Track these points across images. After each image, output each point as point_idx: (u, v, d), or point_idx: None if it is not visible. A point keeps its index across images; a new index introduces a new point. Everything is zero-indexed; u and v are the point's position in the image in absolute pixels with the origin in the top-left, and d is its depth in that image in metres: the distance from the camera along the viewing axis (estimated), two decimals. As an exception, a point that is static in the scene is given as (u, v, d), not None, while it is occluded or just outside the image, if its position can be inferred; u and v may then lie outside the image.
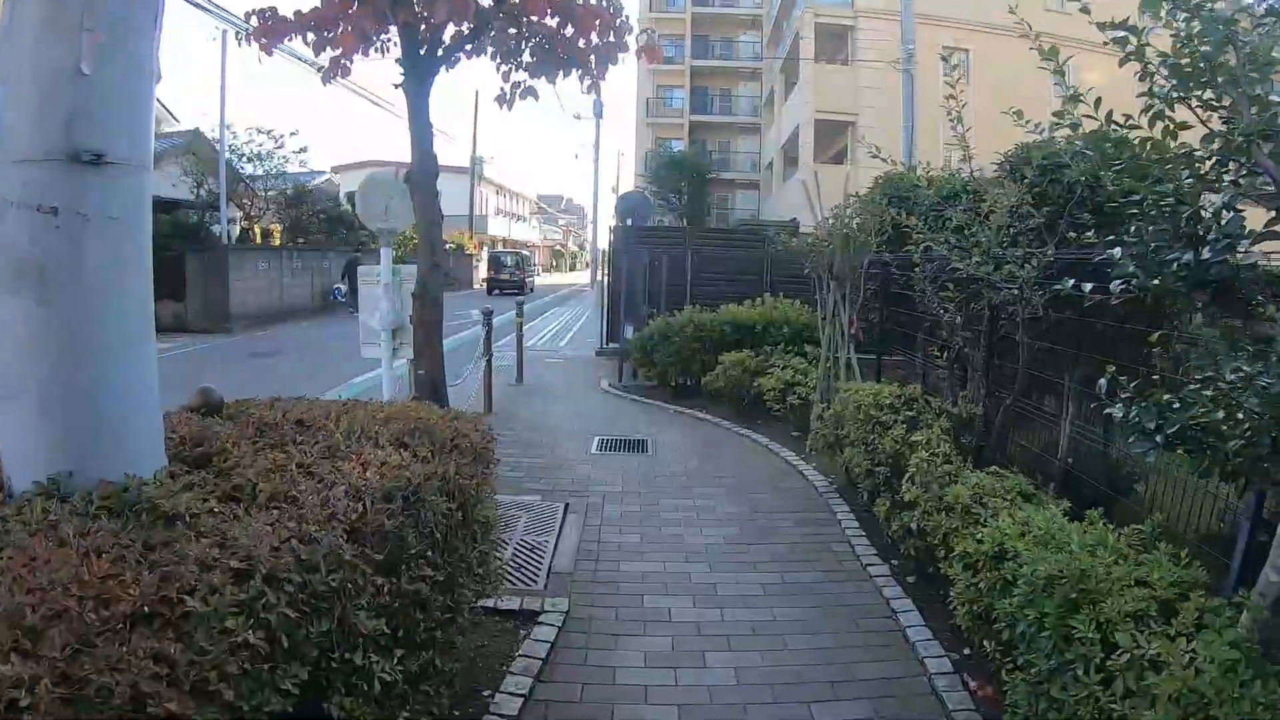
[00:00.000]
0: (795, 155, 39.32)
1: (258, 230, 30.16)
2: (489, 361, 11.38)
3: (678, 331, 11.90)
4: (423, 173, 7.81)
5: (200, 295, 22.85)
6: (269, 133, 27.52)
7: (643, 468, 8.37)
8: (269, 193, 29.17)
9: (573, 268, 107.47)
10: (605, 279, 17.48)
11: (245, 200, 27.81)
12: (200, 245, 23.33)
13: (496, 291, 41.72)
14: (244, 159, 27.05)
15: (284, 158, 28.15)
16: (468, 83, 59.12)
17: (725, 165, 48.72)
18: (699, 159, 43.23)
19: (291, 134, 28.29)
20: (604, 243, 74.09)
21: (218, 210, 26.25)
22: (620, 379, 13.84)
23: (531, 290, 43.54)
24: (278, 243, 30.21)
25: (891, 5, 30.06)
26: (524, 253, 51.68)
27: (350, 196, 35.05)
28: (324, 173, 57.06)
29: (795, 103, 34.67)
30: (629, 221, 18.02)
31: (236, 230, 27.81)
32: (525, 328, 21.62)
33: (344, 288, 28.92)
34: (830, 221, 9.40)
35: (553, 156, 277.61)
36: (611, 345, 16.58)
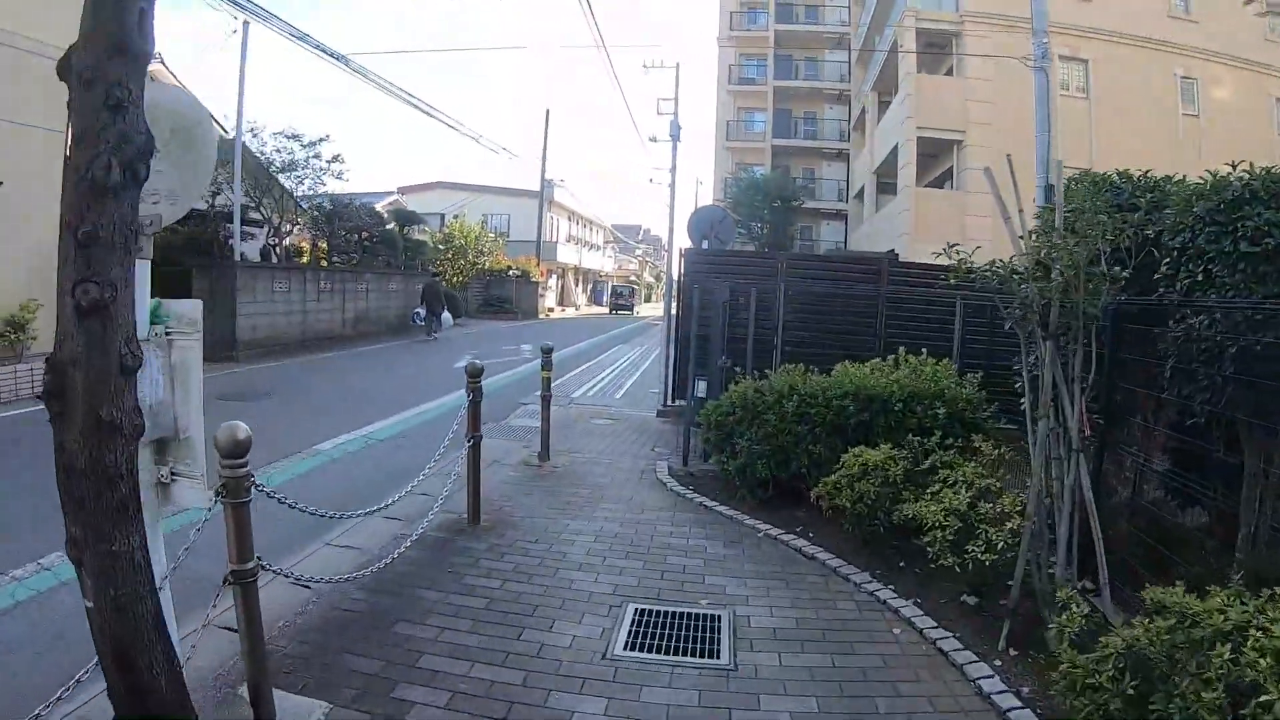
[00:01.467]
0: (891, 180, 35.35)
1: (287, 247, 26.85)
2: (475, 446, 7.17)
3: (773, 405, 7.67)
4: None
5: (207, 319, 19.26)
6: (297, 138, 24.11)
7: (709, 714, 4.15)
8: (300, 207, 25.87)
9: (649, 299, 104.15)
10: (676, 314, 13.44)
11: (275, 215, 24.35)
12: (212, 262, 19.88)
13: (615, 311, 59.57)
14: (274, 169, 23.68)
15: (320, 167, 24.78)
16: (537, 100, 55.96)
17: (809, 193, 44.51)
18: (784, 183, 39.06)
19: (321, 140, 24.88)
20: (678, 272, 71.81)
21: (248, 224, 23.03)
22: (685, 461, 9.62)
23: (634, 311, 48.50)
24: (309, 261, 26.93)
25: (1002, 6, 26.14)
26: (633, 285, 48.13)
27: (397, 215, 31.68)
28: (391, 193, 55.11)
29: (892, 120, 30.51)
30: (705, 243, 13.90)
31: (261, 246, 24.52)
32: (581, 369, 18.04)
33: (423, 311, 27.73)
34: (1038, 242, 5.34)
35: (629, 186, 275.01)
36: (678, 403, 12.59)
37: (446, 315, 29.16)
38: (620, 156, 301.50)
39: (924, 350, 8.97)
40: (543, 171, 47.39)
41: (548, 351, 10.31)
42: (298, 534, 6.54)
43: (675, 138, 45.01)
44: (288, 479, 8.79)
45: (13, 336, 13.75)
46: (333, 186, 26.43)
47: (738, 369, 10.56)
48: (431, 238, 42.97)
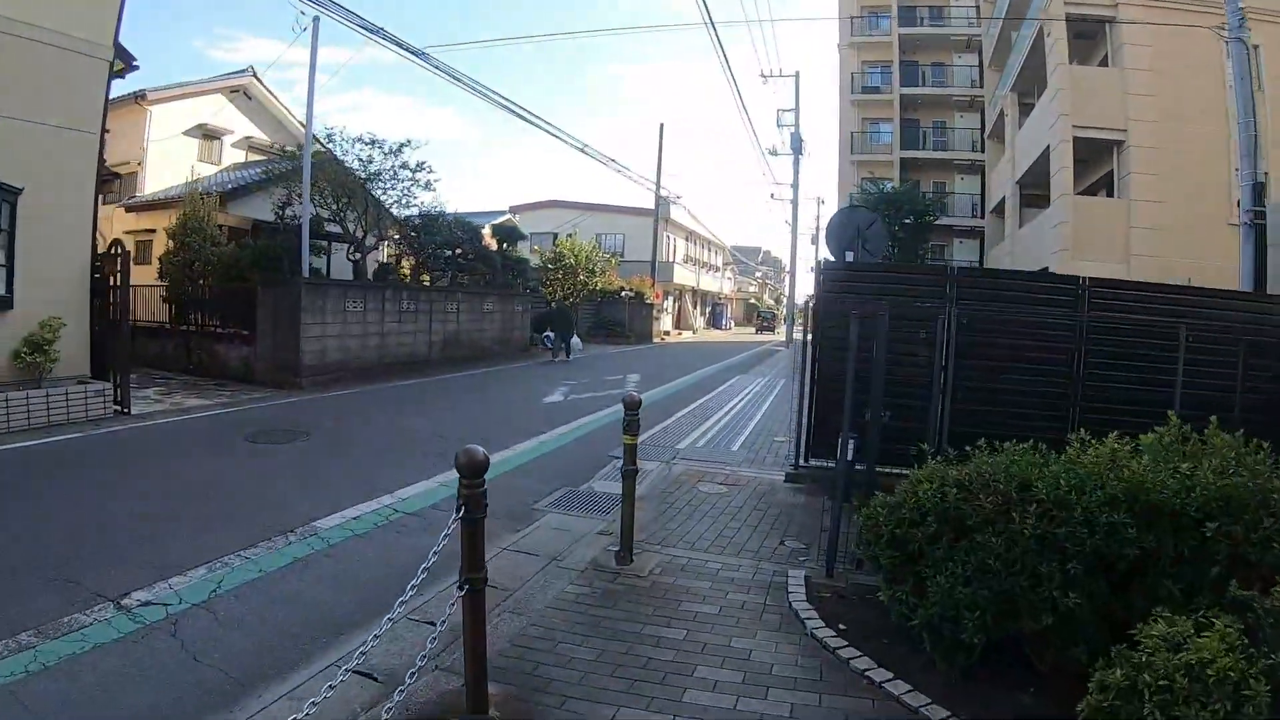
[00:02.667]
0: (1037, 191, 31.38)
1: (384, 265, 24.46)
2: (473, 595, 3.99)
3: (992, 518, 4.28)
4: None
5: (270, 339, 17.22)
6: (377, 143, 21.62)
7: None
8: (394, 219, 23.48)
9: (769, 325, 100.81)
10: (805, 340, 10.13)
11: (360, 228, 21.87)
12: (281, 279, 17.47)
13: (760, 332, 65.22)
14: (358, 178, 21.26)
15: (406, 177, 22.27)
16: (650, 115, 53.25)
17: (940, 209, 40.17)
18: (915, 197, 35.27)
19: (404, 145, 22.32)
20: (803, 294, 67.08)
21: (330, 239, 20.62)
22: (830, 569, 6.30)
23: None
24: (408, 277, 24.47)
25: (1163, -17, 22.31)
26: (774, 311, 44.77)
27: (497, 230, 29.05)
28: (503, 212, 52.99)
29: (1040, 121, 26.54)
30: (848, 255, 10.57)
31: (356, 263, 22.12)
32: (693, 407, 15.15)
33: (552, 335, 27.30)
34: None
35: (748, 207, 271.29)
36: (814, 464, 9.45)
37: (576, 340, 28.09)
38: (739, 176, 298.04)
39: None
40: (657, 187, 44.44)
41: (633, 408, 7.19)
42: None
43: (796, 150, 41.86)
44: (245, 580, 6.05)
45: (30, 358, 11.72)
46: (425, 199, 24.08)
47: (899, 422, 7.37)
48: (541, 257, 40.68)
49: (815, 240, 65.24)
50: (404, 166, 22.18)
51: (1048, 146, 25.26)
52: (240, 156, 28.32)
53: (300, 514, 7.60)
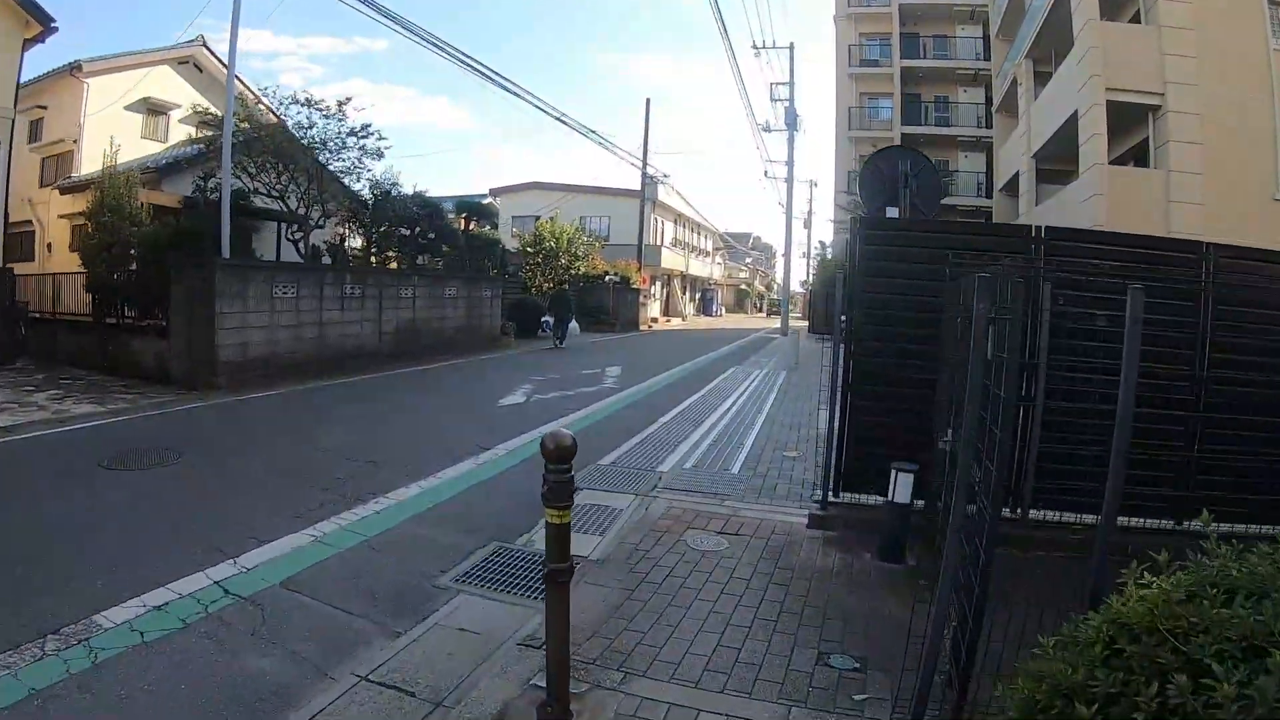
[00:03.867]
0: (1057, 166, 28.69)
1: (341, 246, 21.61)
2: None
3: None
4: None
5: (185, 332, 14.45)
6: (313, 103, 18.73)
7: None
8: (350, 192, 20.68)
9: (759, 309, 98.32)
10: (840, 326, 7.16)
11: (304, 203, 19.00)
12: (196, 261, 14.62)
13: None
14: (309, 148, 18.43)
15: (352, 142, 19.40)
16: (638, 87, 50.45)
17: (944, 188, 37.05)
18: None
19: (344, 102, 19.39)
20: (798, 280, 62.97)
21: (253, 215, 17.84)
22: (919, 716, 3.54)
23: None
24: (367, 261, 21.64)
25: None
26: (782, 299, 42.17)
27: (461, 206, 26.13)
28: (484, 195, 50.06)
29: (1064, 86, 23.68)
30: (892, 211, 7.69)
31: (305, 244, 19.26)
32: (681, 408, 13.50)
33: (550, 320, 26.89)
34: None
35: (738, 193, 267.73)
36: (849, 498, 6.89)
37: (574, 325, 27.55)
38: (729, 159, 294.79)
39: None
40: (644, 164, 41.48)
41: (560, 459, 3.95)
42: None
43: (791, 125, 39.15)
44: None
45: None
46: (378, 171, 21.23)
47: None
48: (520, 240, 37.93)
49: (808, 224, 62.81)
50: (351, 133, 19.30)
51: (1074, 113, 22.49)
52: (190, 132, 25.39)
53: (85, 599, 4.86)
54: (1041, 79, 27.80)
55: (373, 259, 22.01)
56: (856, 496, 6.72)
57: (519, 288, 31.18)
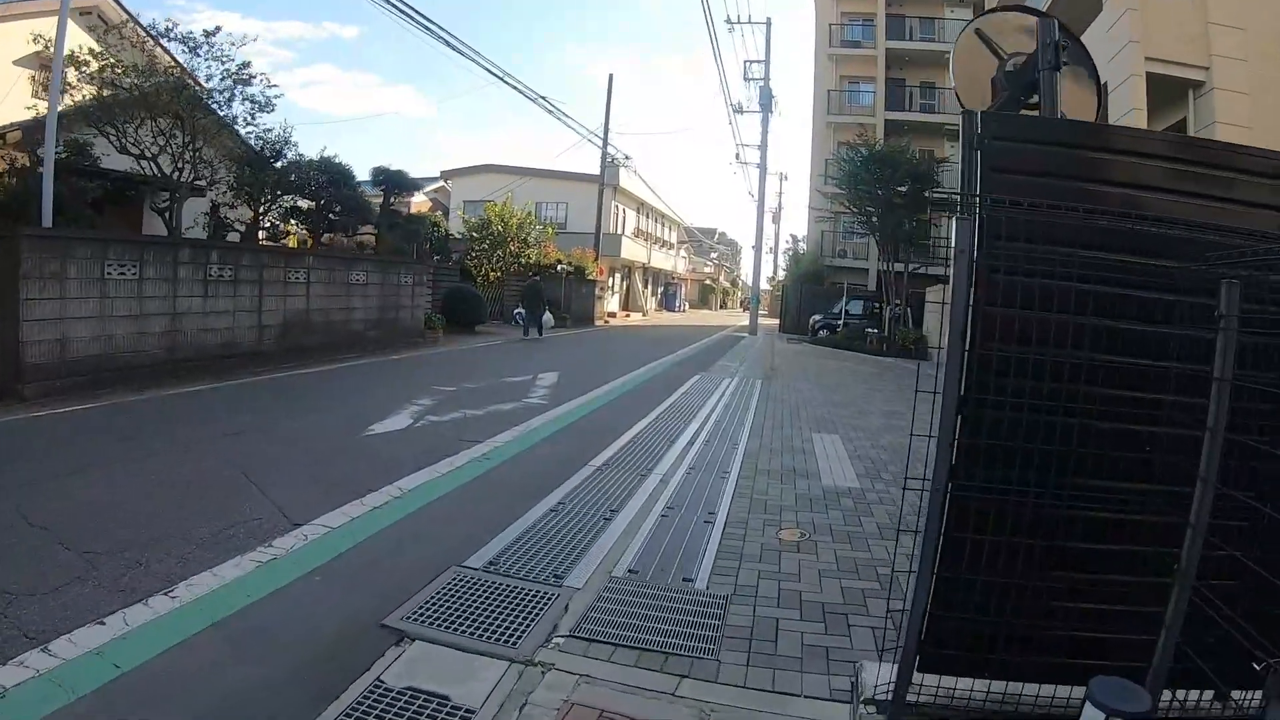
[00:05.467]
0: None
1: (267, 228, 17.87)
2: None
3: None
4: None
5: None
6: (171, 33, 14.88)
7: None
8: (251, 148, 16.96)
9: (723, 305, 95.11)
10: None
11: (177, 163, 15.05)
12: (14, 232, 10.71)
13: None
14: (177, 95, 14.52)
15: (232, 89, 15.51)
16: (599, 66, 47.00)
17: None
18: (914, 158, 28.79)
19: (211, 33, 15.21)
20: (764, 277, 60.30)
21: (97, 176, 14.09)
22: None
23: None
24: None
25: None
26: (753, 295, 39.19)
27: (377, 176, 22.17)
28: (435, 179, 46.25)
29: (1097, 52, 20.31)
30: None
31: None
32: (633, 433, 10.14)
33: (523, 312, 26.35)
34: None
35: (705, 186, 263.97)
36: (939, 687, 3.03)
37: (548, 316, 27.25)
38: (695, 154, 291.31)
39: None
40: (604, 145, 37.78)
41: None
42: None
43: (766, 106, 35.51)
44: None
45: None
46: (272, 129, 17.25)
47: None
48: (465, 224, 34.20)
49: (777, 220, 59.25)
50: (229, 76, 15.34)
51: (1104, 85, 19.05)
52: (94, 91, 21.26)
53: None
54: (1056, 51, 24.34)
55: (261, 235, 18.05)
56: (951, 683, 3.08)
57: (456, 275, 27.27)
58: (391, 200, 22.00)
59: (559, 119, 39.38)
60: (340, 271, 17.10)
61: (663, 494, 7.17)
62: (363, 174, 20.82)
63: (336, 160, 19.29)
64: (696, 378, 16.41)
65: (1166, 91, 17.71)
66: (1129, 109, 17.50)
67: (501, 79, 23.33)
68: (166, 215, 15.25)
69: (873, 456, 9.66)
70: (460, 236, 34.07)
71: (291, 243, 21.06)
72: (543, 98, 28.59)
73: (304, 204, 19.43)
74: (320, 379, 13.60)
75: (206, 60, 15.02)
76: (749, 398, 13.87)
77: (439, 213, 40.91)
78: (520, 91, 26.80)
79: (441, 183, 47.60)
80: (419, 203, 43.35)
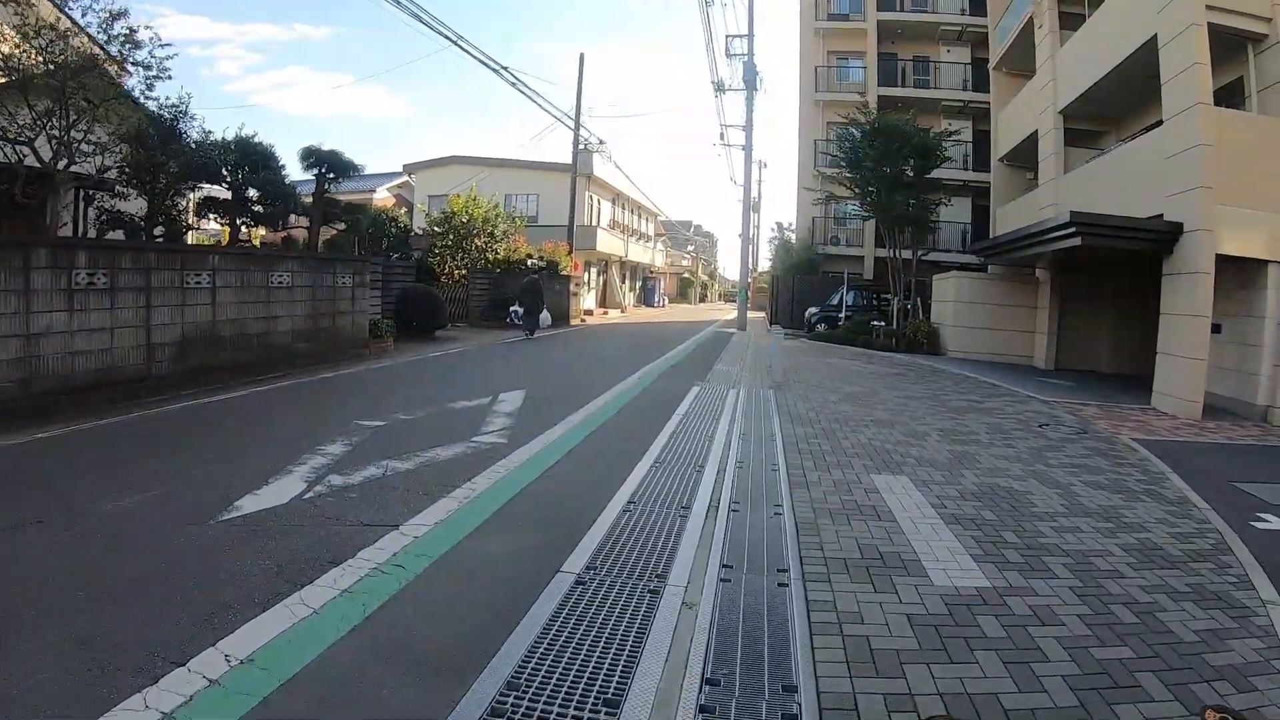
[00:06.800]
0: (1093, 121, 22.91)
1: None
2: None
3: None
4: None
5: None
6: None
7: None
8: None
9: (703, 298, 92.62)
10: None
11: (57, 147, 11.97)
12: None
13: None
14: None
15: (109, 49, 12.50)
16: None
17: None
18: (920, 132, 26.01)
19: None
20: (764, 260, 57.38)
21: None
22: None
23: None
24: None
25: None
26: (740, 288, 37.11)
27: (307, 156, 18.89)
28: (398, 173, 43.31)
29: (1131, 8, 17.47)
30: None
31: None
32: (622, 496, 7.10)
33: (520, 310, 25.70)
34: None
35: (679, 178, 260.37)
36: None
37: (545, 315, 26.72)
38: (669, 145, 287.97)
39: None
40: (576, 130, 34.80)
41: None
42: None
43: (750, 84, 32.64)
44: None
45: None
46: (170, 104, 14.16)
47: None
48: (428, 219, 31.78)
49: (757, 209, 56.14)
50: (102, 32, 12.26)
51: (1143, 43, 16.56)
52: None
53: None
54: (1071, 21, 21.76)
55: (158, 230, 14.83)
56: None
57: (413, 274, 24.08)
58: (327, 187, 18.73)
59: (523, 92, 37.12)
60: (258, 273, 13.85)
61: (693, 643, 4.15)
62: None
63: (255, 140, 16.18)
64: (694, 392, 13.40)
65: (1219, 47, 15.03)
66: (1190, 63, 14.77)
67: (454, 42, 20.36)
68: (26, 206, 12.16)
69: (971, 515, 6.74)
70: (422, 232, 31.12)
71: (226, 239, 17.92)
72: (505, 68, 25.65)
73: (223, 194, 16.39)
74: (218, 411, 10.38)
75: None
76: (767, 419, 10.89)
77: (403, 209, 37.99)
78: (470, 54, 23.55)
79: (405, 177, 44.66)
80: (381, 199, 40.52)
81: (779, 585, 4.90)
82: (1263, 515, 7.50)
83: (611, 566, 5.09)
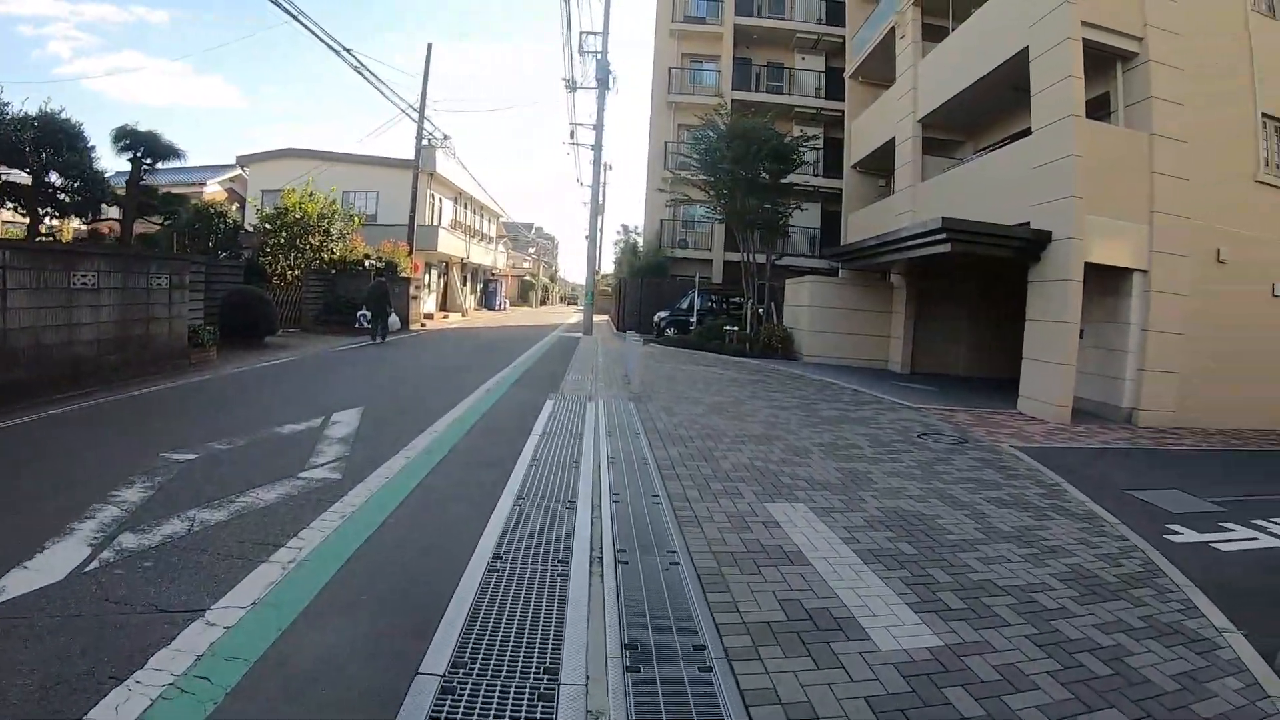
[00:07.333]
0: (953, 132, 23.08)
1: None
2: None
3: None
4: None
5: None
6: None
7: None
8: None
9: (544, 301, 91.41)
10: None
11: None
12: None
13: None
14: None
15: None
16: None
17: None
18: (776, 135, 25.71)
19: None
20: (609, 263, 56.59)
21: None
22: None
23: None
24: None
25: None
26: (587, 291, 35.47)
27: (126, 140, 16.89)
28: (230, 166, 42.29)
29: (998, 23, 17.70)
30: None
31: None
32: (485, 549, 5.76)
33: (368, 314, 24.42)
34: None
35: (522, 179, 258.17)
36: None
37: (394, 319, 25.24)
38: (510, 146, 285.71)
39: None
40: (420, 123, 33.23)
41: None
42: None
43: (603, 82, 31.78)
44: None
45: None
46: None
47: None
48: (260, 215, 29.02)
49: (602, 211, 55.45)
50: None
51: (1011, 57, 16.97)
52: None
53: None
54: (933, 33, 22.08)
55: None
56: None
57: (242, 275, 22.16)
58: (144, 175, 16.74)
59: (365, 78, 34.99)
60: (57, 272, 11.92)
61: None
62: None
63: (60, 116, 14.27)
64: (549, 406, 12.24)
65: (1088, 62, 15.29)
66: (1064, 76, 14.94)
67: (295, 17, 18.71)
68: None
69: (889, 549, 6.04)
70: (253, 230, 28.95)
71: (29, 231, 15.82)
72: (347, 50, 23.90)
73: (21, 178, 14.44)
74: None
75: None
76: (635, 438, 9.86)
77: (235, 204, 35.49)
78: (320, 38, 21.57)
79: (238, 170, 41.79)
80: (212, 193, 37.81)
81: (700, 670, 3.89)
82: (1172, 527, 7.67)
83: (485, 659, 3.88)
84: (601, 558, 5.46)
